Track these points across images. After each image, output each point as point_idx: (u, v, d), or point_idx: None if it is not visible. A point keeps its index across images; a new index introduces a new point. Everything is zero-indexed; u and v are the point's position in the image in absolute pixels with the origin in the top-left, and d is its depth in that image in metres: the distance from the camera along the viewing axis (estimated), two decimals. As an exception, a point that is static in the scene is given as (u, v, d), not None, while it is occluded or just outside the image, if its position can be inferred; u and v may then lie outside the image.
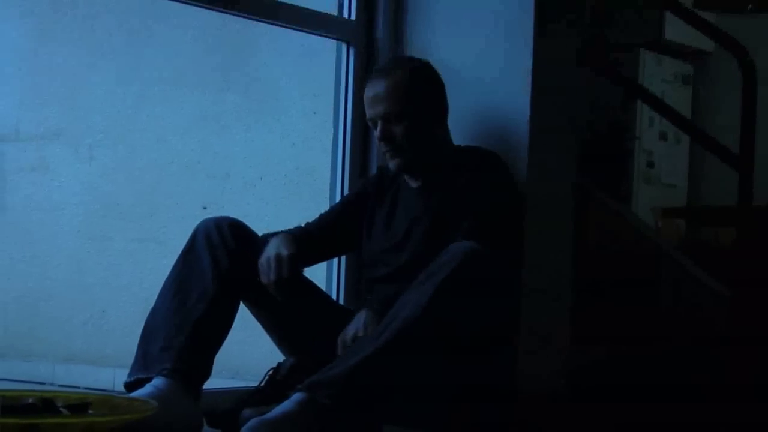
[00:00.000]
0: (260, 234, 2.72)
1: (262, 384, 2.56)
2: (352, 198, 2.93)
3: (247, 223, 2.72)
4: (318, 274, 2.98)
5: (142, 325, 2.56)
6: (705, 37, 4.86)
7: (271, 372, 2.57)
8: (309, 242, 2.73)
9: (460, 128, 2.91)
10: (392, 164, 2.74)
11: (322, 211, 2.90)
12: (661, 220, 5.11)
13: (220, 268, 2.57)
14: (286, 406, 2.28)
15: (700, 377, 3.46)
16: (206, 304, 2.52)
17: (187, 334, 2.48)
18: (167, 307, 2.53)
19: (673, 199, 6.09)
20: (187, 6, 2.97)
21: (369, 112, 2.74)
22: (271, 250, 2.60)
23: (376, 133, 2.72)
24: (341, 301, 3.09)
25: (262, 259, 2.60)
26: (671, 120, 4.42)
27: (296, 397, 2.30)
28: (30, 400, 2.02)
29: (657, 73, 6.14)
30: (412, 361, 2.38)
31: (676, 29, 5.90)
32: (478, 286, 2.43)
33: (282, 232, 2.70)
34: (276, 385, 2.53)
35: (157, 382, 2.41)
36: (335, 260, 3.13)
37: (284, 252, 2.58)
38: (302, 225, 2.82)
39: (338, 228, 2.85)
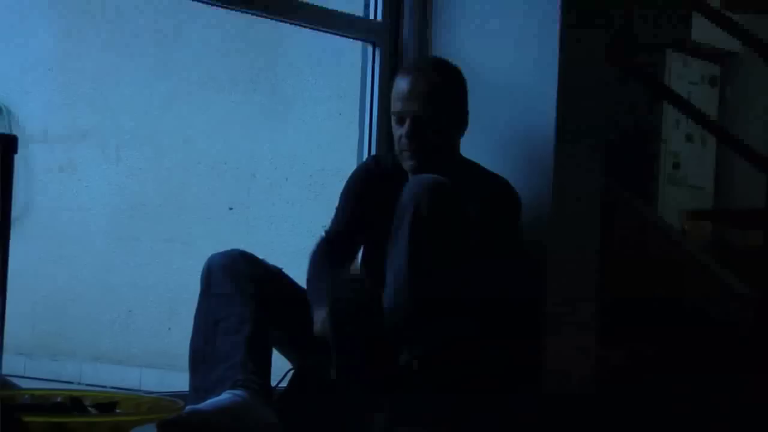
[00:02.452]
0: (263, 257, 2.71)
1: (288, 384, 2.55)
2: (362, 195, 2.83)
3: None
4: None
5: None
6: (732, 38, 4.83)
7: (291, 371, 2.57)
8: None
9: (486, 130, 2.91)
10: (408, 164, 2.71)
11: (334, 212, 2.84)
12: (688, 223, 5.08)
13: (246, 292, 2.53)
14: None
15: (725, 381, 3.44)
16: (250, 324, 2.47)
17: (245, 351, 2.42)
18: (212, 338, 2.48)
19: (699, 201, 6.05)
20: (215, 7, 2.98)
21: (398, 106, 2.70)
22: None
23: (403, 128, 2.69)
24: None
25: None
26: (698, 122, 4.40)
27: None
28: (58, 399, 2.04)
29: (683, 75, 6.11)
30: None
31: (703, 30, 5.86)
32: (453, 221, 2.45)
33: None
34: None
35: (234, 390, 2.31)
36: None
37: None
38: (324, 234, 2.78)
39: (361, 226, 2.81)
